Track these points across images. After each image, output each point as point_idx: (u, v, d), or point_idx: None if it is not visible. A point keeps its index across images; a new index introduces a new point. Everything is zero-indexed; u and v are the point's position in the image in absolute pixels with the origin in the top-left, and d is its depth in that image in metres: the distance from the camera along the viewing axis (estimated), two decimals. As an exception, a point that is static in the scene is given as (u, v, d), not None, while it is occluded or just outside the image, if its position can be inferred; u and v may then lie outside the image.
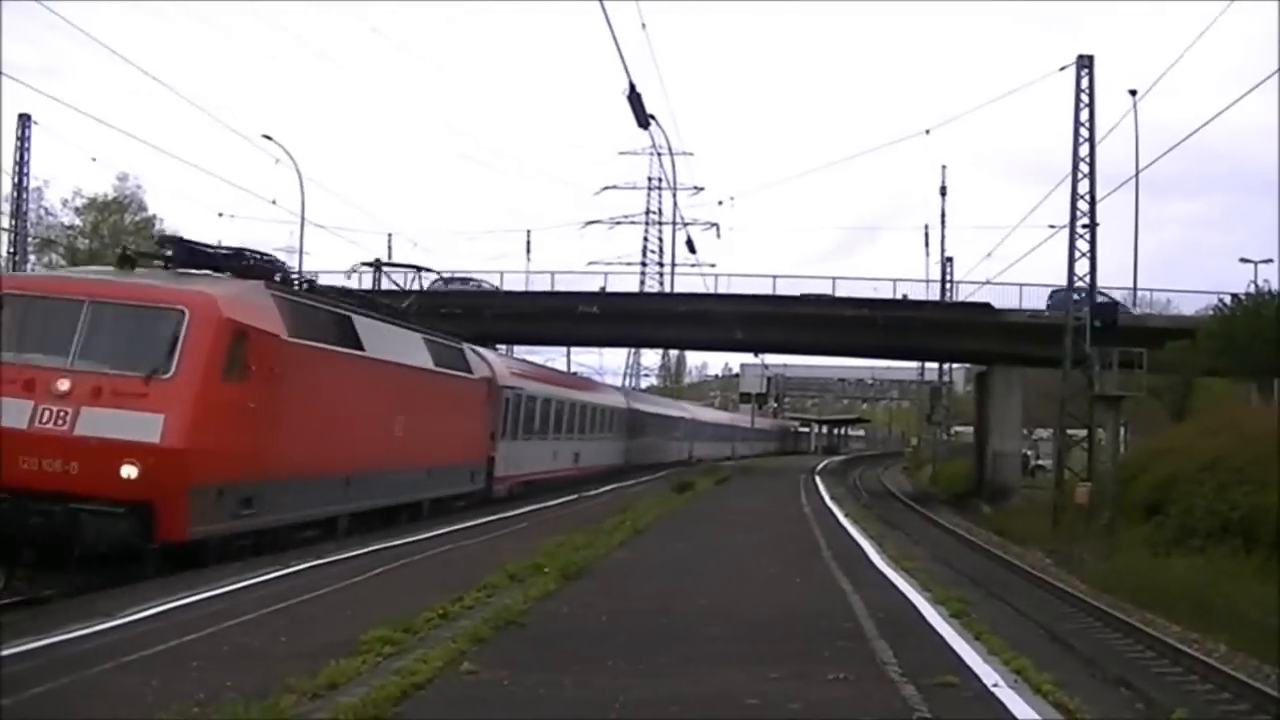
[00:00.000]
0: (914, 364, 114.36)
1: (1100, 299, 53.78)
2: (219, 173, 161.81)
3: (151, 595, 15.86)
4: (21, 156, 68.33)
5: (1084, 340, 50.27)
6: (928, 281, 79.07)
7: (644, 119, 24.81)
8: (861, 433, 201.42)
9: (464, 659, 11.91)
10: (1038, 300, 63.55)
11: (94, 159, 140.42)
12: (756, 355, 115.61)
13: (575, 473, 53.45)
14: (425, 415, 30.78)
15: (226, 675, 10.95)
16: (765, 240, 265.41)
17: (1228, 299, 53.53)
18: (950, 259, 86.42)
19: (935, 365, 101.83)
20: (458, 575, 18.26)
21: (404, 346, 30.25)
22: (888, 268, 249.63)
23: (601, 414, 61.59)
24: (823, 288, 65.78)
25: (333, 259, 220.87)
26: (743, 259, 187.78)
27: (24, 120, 67.50)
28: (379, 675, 11.06)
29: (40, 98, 79.70)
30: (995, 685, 11.53)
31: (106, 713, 9.83)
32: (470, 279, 70.20)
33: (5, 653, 11.86)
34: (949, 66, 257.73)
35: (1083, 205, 51.18)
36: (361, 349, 26.57)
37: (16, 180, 66.69)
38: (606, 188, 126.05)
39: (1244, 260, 68.79)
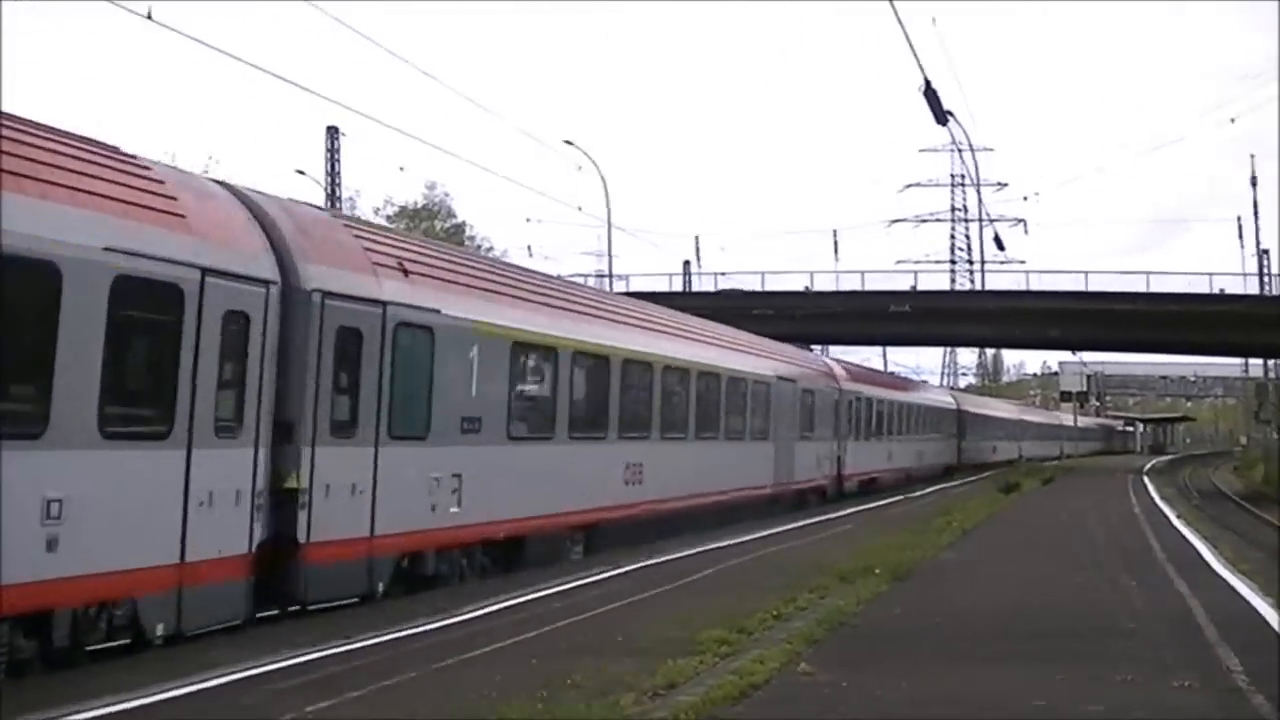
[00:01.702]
0: (1237, 360, 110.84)
1: None
2: (523, 180, 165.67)
3: (491, 593, 16.23)
4: (332, 167, 70.43)
5: None
6: (1244, 275, 76.18)
7: (941, 115, 24.62)
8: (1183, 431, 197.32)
9: (800, 659, 11.93)
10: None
11: (401, 168, 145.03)
12: (1074, 353, 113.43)
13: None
14: None
15: (565, 671, 11.14)
16: (1071, 235, 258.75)
17: None
18: (1265, 251, 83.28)
19: (1260, 361, 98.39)
20: (788, 576, 18.29)
21: None
22: (1200, 261, 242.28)
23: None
24: (1136, 284, 64.07)
25: (639, 263, 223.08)
26: (1050, 255, 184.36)
27: (332, 132, 69.56)
28: (716, 675, 11.15)
29: (346, 112, 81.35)
30: (1354, 694, 11.06)
31: (454, 706, 10.07)
32: None
33: (353, 646, 12.27)
34: (1252, 51, 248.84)
35: None
36: None
37: (329, 191, 68.70)
38: (909, 185, 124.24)
39: None
